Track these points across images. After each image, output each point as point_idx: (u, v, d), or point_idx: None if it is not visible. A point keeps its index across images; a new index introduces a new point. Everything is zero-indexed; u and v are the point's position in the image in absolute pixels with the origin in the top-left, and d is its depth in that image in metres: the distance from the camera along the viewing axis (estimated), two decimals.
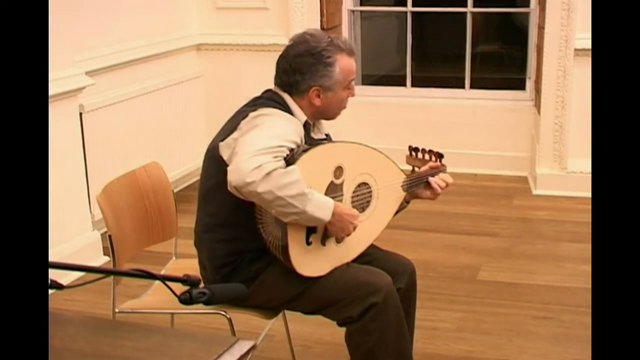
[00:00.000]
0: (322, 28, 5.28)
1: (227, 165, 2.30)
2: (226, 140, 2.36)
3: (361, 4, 6.02)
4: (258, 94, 2.56)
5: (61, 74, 3.73)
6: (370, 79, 6.31)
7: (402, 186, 2.60)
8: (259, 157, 2.17)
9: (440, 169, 2.67)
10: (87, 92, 3.99)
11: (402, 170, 2.62)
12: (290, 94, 2.47)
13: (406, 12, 5.68)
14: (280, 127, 2.31)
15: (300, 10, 5.17)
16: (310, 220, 2.27)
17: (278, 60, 2.50)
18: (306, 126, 2.46)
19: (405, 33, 5.74)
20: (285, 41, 5.26)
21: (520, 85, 5.61)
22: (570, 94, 4.84)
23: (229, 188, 2.22)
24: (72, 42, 3.88)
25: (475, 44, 5.87)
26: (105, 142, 4.25)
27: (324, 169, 2.36)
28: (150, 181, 2.71)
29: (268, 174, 2.15)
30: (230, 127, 2.40)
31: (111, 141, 4.30)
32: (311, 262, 2.37)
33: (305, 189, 2.22)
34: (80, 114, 4.03)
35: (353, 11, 5.74)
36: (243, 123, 2.35)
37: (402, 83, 5.80)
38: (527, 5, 5.45)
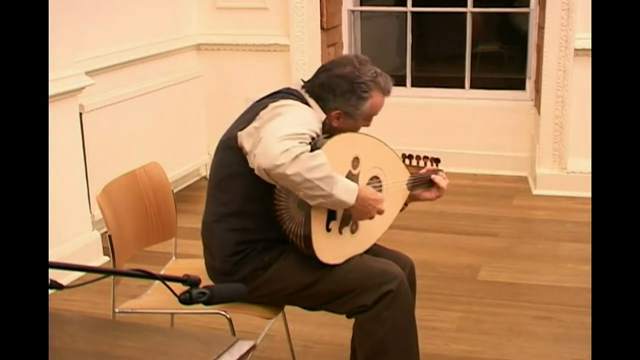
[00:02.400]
0: (322, 28, 5.28)
1: (245, 155, 2.36)
2: (246, 129, 2.39)
3: (361, 4, 6.02)
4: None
5: (61, 74, 3.73)
6: None
7: (406, 184, 2.63)
8: (286, 141, 2.22)
9: (438, 173, 2.69)
10: (87, 92, 3.99)
11: (407, 169, 2.65)
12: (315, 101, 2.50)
13: (406, 12, 5.68)
14: (303, 116, 2.36)
15: (300, 10, 5.17)
16: (336, 203, 2.31)
17: (320, 70, 2.54)
18: (323, 123, 2.49)
19: (405, 33, 5.74)
20: (285, 41, 5.26)
21: (520, 85, 5.60)
22: (570, 94, 4.83)
23: (257, 172, 2.27)
24: (72, 42, 3.88)
25: (475, 44, 5.88)
26: (105, 142, 4.25)
27: (343, 158, 2.41)
28: (150, 181, 2.71)
29: (296, 156, 2.20)
30: (249, 117, 2.43)
31: (111, 141, 4.30)
32: (330, 248, 2.41)
33: (332, 172, 2.27)
34: (80, 114, 4.03)
35: (353, 11, 5.74)
36: (263, 112, 2.38)
37: (402, 83, 5.80)
38: (527, 5, 5.45)
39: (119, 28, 4.56)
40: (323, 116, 2.49)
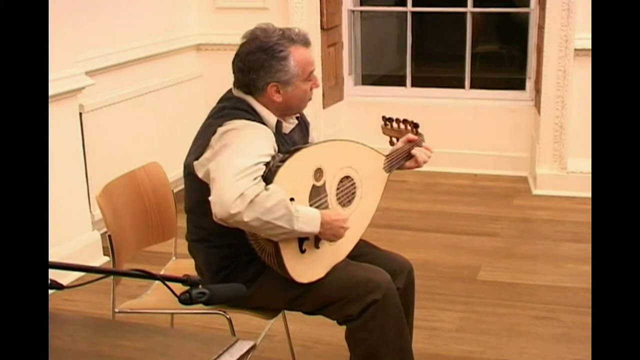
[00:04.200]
0: (322, 28, 5.29)
1: (204, 183, 2.30)
2: (200, 160, 2.33)
3: (361, 4, 6.02)
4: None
5: (61, 74, 3.73)
6: (370, 79, 6.31)
7: (383, 168, 2.61)
8: (239, 182, 2.15)
9: (418, 141, 2.68)
10: (87, 92, 3.99)
11: (381, 153, 2.62)
12: (251, 94, 2.42)
13: (406, 12, 5.68)
14: (251, 142, 2.28)
15: (300, 10, 5.17)
16: (300, 235, 2.29)
17: (233, 60, 2.45)
18: (277, 125, 2.43)
19: (405, 33, 5.74)
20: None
21: (520, 85, 5.61)
22: (570, 94, 4.83)
23: (214, 219, 2.21)
24: (72, 42, 3.88)
25: (475, 44, 5.88)
26: (105, 142, 4.25)
27: (304, 175, 2.35)
28: (150, 181, 2.71)
29: (252, 201, 2.14)
30: (202, 143, 2.36)
31: (111, 141, 4.30)
32: (308, 268, 2.37)
33: (291, 207, 2.21)
34: (80, 114, 4.03)
35: (353, 11, 5.74)
36: (213, 140, 2.31)
37: (402, 83, 5.80)
38: (527, 5, 5.45)
39: (119, 28, 4.56)
40: (274, 121, 2.41)
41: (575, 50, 4.76)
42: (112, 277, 2.42)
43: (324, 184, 2.40)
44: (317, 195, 2.37)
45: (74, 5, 4.00)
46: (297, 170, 2.32)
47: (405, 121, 2.70)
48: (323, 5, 5.27)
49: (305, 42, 2.42)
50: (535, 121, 5.21)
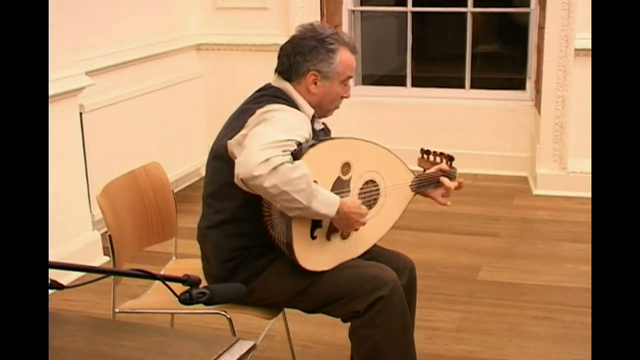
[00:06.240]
0: None
1: (232, 165, 2.31)
2: (235, 138, 2.36)
3: (361, 4, 6.02)
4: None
5: (61, 74, 3.73)
6: (370, 79, 6.31)
7: (410, 186, 2.62)
8: (267, 150, 2.18)
9: (450, 173, 2.69)
10: (87, 92, 3.99)
11: (412, 171, 2.63)
12: (290, 80, 2.47)
13: (406, 12, 5.68)
14: (289, 121, 2.32)
15: (300, 10, 5.17)
16: (315, 215, 2.29)
17: (282, 46, 2.53)
18: (312, 117, 2.48)
19: (405, 33, 5.74)
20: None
21: (520, 85, 5.61)
22: (570, 94, 4.84)
23: (235, 180, 2.23)
24: (72, 42, 3.89)
25: (475, 44, 5.88)
26: (105, 142, 4.25)
27: (332, 164, 2.37)
28: (150, 181, 2.71)
29: (275, 168, 2.16)
30: (237, 125, 2.39)
31: (111, 141, 4.30)
32: (315, 256, 2.38)
33: (312, 185, 2.23)
34: (80, 114, 4.03)
35: (353, 11, 5.74)
36: (251, 120, 2.35)
37: (402, 83, 5.80)
38: (527, 5, 5.45)
39: (119, 28, 4.57)
40: (311, 112, 2.46)
41: (575, 50, 4.76)
42: (112, 277, 2.42)
43: (349, 180, 2.42)
44: (340, 188, 2.39)
45: (74, 5, 4.00)
46: (325, 158, 2.34)
47: (442, 154, 2.72)
48: (323, 5, 5.27)
49: (353, 49, 2.52)
50: (536, 121, 5.21)
